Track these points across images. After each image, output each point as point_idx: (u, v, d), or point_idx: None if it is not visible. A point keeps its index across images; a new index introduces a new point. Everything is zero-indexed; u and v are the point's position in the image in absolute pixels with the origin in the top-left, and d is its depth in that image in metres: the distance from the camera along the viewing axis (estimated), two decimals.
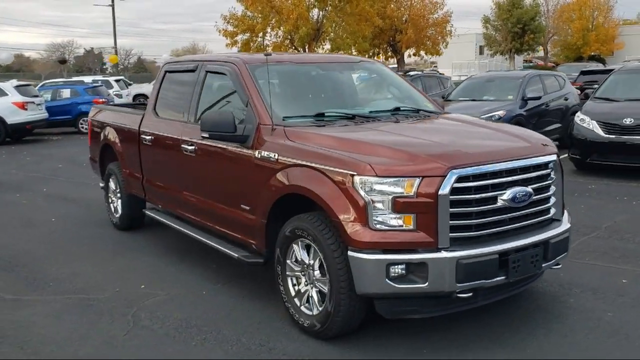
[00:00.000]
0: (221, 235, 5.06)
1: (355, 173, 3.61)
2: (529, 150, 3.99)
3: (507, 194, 3.70)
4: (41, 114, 18.00)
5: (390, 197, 3.54)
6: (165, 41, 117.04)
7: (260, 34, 21.07)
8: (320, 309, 3.93)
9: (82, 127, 19.66)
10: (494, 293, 3.94)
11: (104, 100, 20.04)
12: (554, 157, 4.10)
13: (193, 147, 5.13)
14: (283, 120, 4.44)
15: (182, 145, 5.27)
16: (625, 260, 5.47)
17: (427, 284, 3.52)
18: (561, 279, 4.89)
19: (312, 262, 3.99)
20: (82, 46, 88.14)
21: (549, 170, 4.04)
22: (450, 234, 3.55)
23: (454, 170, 3.54)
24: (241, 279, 5.22)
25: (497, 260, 3.63)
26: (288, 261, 4.18)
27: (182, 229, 5.48)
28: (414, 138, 4.09)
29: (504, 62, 46.93)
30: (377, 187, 3.56)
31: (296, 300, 4.15)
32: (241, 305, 4.66)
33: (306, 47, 21.56)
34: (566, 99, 12.65)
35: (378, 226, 3.57)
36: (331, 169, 3.75)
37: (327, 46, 23.51)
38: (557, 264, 4.12)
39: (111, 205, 7.26)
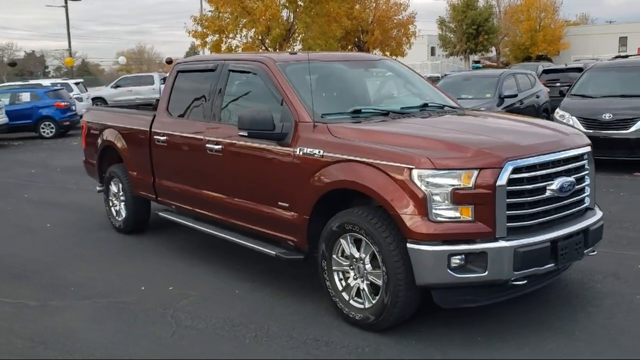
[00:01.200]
0: (249, 233, 5.06)
1: (413, 166, 3.70)
2: (569, 142, 4.16)
3: (555, 184, 3.86)
4: (1, 118, 17.39)
5: (449, 189, 3.63)
6: (110, 44, 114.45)
7: (231, 35, 20.91)
8: (374, 301, 3.99)
9: (44, 132, 19.10)
10: (541, 280, 4.09)
11: (66, 103, 19.54)
12: (588, 149, 4.29)
13: (220, 147, 5.11)
14: (322, 117, 4.49)
15: (207, 145, 5.24)
16: (633, 247, 5.75)
17: (486, 272, 3.64)
18: (581, 267, 5.09)
19: (363, 255, 4.05)
20: (22, 49, 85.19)
21: (584, 161, 4.23)
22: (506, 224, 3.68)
23: (509, 162, 3.67)
24: (268, 277, 5.22)
25: (548, 248, 3.78)
26: (334, 256, 4.23)
27: (208, 230, 5.43)
28: (459, 132, 4.20)
29: (455, 63, 48.02)
30: (436, 179, 3.65)
31: (344, 294, 4.20)
32: (279, 302, 4.67)
33: (277, 48, 21.65)
34: (537, 97, 13.12)
35: (437, 218, 3.66)
36: (386, 163, 3.82)
37: (298, 47, 23.74)
38: (593, 251, 4.32)
39: (112, 208, 7.12)
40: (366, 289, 4.07)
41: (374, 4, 30.18)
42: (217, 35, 20.85)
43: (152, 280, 5.31)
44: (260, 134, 4.52)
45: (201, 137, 5.36)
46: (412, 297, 3.85)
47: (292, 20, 20.98)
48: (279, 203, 4.62)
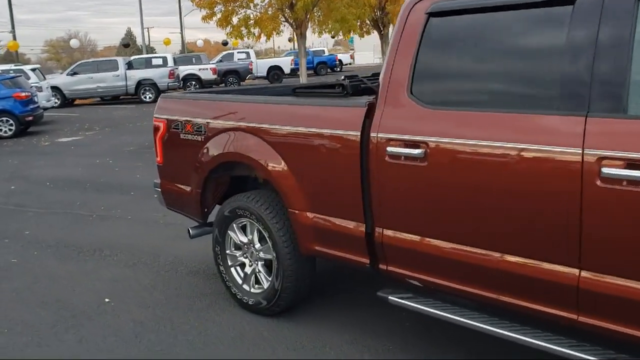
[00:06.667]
0: None
1: None
2: None
3: None
4: None
5: None
6: (36, 32, 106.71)
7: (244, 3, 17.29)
8: None
9: (1, 130, 15.27)
10: None
11: (27, 94, 15.75)
12: None
13: None
14: None
15: (603, 170, 2.27)
16: None
17: None
18: None
19: None
20: None
21: None
22: None
23: None
24: None
25: None
26: None
27: None
28: None
29: None
30: None
31: None
32: None
33: (306, 17, 17.96)
34: None
35: None
36: None
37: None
38: None
39: (234, 269, 4.04)
40: None
41: None
42: (227, 5, 17.19)
43: None
44: None
45: (570, 148, 2.38)
46: None
47: None
48: None
